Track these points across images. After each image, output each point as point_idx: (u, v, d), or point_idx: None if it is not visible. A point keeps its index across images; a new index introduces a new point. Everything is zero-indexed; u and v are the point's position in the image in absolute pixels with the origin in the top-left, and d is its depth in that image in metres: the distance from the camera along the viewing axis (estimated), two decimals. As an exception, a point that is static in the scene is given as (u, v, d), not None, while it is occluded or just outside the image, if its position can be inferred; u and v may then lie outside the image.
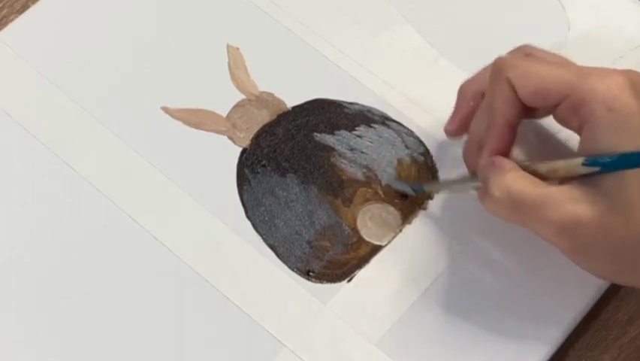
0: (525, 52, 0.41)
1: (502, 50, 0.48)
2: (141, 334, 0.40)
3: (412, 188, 0.44)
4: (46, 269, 0.42)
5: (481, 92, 0.41)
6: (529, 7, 0.50)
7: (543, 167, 0.38)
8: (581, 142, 0.37)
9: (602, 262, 0.37)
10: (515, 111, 0.39)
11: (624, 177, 0.35)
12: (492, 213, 0.39)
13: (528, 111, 0.39)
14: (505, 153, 0.39)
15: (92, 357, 0.40)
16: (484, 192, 0.39)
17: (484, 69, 0.41)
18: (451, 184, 0.44)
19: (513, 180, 0.37)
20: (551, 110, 0.39)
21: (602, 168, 0.35)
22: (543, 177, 0.38)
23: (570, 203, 0.36)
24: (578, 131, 0.38)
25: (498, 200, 0.38)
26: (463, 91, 0.43)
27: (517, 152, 0.41)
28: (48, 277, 0.42)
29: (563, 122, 0.39)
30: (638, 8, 0.50)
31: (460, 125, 0.42)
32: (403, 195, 0.44)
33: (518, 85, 0.38)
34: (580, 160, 0.36)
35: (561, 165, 0.37)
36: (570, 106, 0.37)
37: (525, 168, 0.38)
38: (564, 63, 0.40)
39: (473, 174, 0.40)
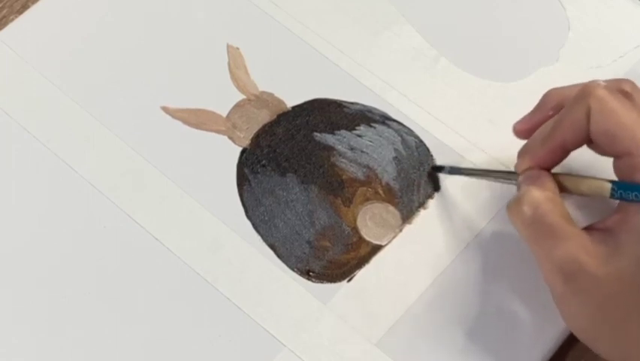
0: (624, 88, 0.38)
1: (502, 49, 0.49)
2: (141, 334, 0.40)
3: (449, 168, 0.44)
4: (46, 269, 0.42)
5: (564, 104, 0.39)
6: (529, 7, 0.50)
7: (570, 179, 0.39)
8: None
9: (583, 320, 0.37)
10: (578, 139, 0.38)
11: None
12: (510, 218, 0.39)
13: (589, 142, 0.39)
14: (548, 169, 0.39)
15: (92, 357, 0.40)
16: (514, 198, 0.39)
17: (577, 84, 0.40)
18: (486, 173, 0.43)
19: (546, 201, 0.37)
20: (611, 154, 0.38)
21: (624, 191, 0.36)
22: (565, 189, 0.38)
23: (582, 248, 0.36)
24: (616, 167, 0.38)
25: (522, 210, 0.38)
26: (547, 98, 0.41)
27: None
28: (48, 277, 0.42)
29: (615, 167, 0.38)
30: (638, 8, 0.50)
31: (530, 128, 0.41)
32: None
33: (594, 118, 0.37)
34: (608, 183, 0.37)
35: (587, 182, 0.38)
36: (628, 164, 0.37)
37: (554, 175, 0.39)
38: None
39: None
